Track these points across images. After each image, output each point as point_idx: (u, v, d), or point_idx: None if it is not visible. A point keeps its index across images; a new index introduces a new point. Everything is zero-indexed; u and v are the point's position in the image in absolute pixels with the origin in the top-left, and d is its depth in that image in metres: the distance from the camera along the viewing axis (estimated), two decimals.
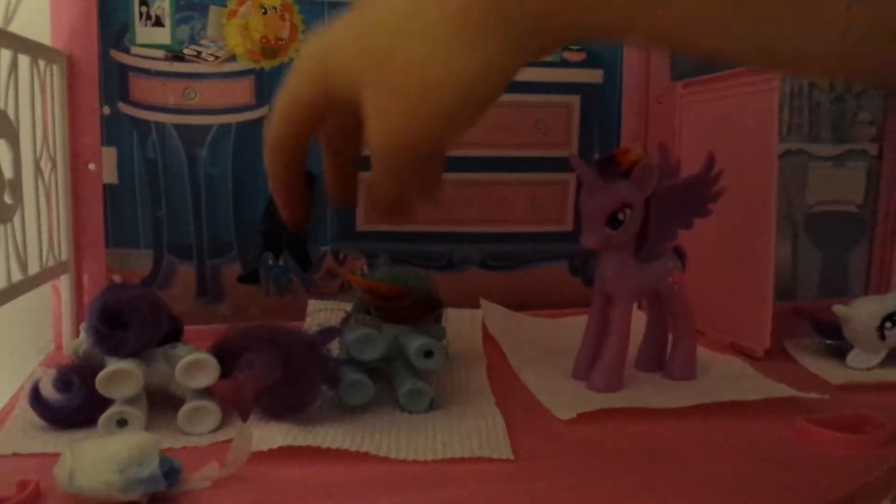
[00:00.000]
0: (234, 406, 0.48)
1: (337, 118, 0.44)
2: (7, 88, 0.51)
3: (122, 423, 0.45)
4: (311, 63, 0.39)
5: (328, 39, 0.39)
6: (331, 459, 0.42)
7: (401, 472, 0.41)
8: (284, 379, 0.45)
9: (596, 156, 0.77)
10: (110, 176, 0.67)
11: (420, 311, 0.51)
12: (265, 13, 0.68)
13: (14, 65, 0.52)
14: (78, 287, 0.65)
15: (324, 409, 0.48)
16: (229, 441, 0.43)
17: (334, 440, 0.43)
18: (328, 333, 0.49)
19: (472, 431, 0.46)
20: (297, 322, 0.64)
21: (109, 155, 0.67)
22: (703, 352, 0.59)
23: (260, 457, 0.41)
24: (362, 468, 0.41)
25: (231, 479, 0.39)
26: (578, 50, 0.76)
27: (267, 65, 0.69)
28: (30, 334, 0.67)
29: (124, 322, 0.46)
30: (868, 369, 0.59)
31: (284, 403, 0.46)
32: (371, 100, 0.36)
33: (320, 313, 0.67)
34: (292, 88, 0.40)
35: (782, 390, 0.52)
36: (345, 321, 0.54)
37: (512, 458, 0.43)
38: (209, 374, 0.46)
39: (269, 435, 0.43)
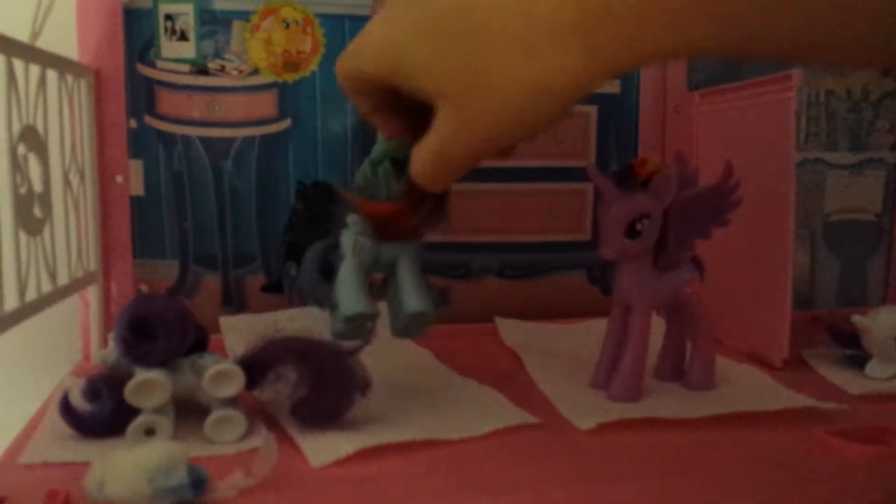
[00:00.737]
0: (259, 415, 0.49)
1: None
2: (36, 104, 0.52)
3: (149, 432, 0.46)
4: (379, 57, 0.39)
5: (395, 36, 0.38)
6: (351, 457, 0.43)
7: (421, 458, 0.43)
8: (318, 388, 0.46)
9: (614, 166, 0.77)
10: (137, 188, 0.69)
11: (421, 227, 0.50)
12: (287, 27, 0.69)
13: (42, 80, 0.53)
14: (106, 297, 0.66)
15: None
16: (254, 450, 0.44)
17: (391, 436, 0.45)
18: (356, 346, 0.50)
19: (490, 406, 0.50)
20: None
21: (136, 167, 0.69)
22: (721, 361, 0.59)
23: (288, 466, 0.42)
24: (380, 463, 0.43)
25: (257, 488, 0.40)
26: None
27: (290, 78, 0.70)
28: (59, 344, 0.68)
29: (152, 332, 0.47)
30: (887, 379, 0.59)
31: (321, 411, 0.47)
32: (453, 104, 0.37)
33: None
34: (362, 67, 0.40)
35: (801, 400, 0.53)
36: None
37: (538, 421, 0.47)
38: (235, 383, 0.47)
39: (327, 444, 0.45)
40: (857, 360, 0.61)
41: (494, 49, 0.35)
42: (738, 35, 0.31)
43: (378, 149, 0.48)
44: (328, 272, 0.50)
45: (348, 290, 0.48)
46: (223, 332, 0.66)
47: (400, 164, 0.47)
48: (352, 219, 0.49)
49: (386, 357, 0.53)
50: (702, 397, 0.55)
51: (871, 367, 0.60)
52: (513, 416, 0.50)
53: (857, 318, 0.60)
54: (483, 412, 0.50)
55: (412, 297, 0.49)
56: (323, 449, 0.44)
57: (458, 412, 0.50)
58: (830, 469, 0.44)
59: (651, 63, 0.34)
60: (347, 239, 0.49)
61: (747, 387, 0.57)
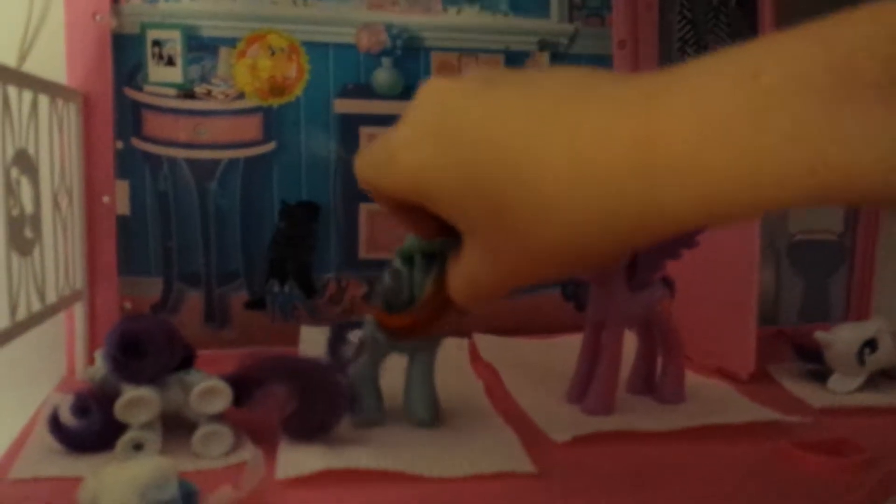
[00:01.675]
0: (245, 430, 0.50)
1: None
2: (28, 128, 0.54)
3: (138, 447, 0.47)
4: (403, 181, 0.34)
5: (421, 163, 0.33)
6: (342, 481, 0.44)
7: (411, 492, 0.43)
8: (307, 404, 0.47)
9: None
10: (123, 208, 0.70)
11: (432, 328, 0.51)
12: (273, 54, 0.71)
13: (34, 105, 0.55)
14: (91, 314, 0.67)
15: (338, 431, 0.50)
16: (241, 464, 0.45)
17: (367, 461, 0.45)
18: (343, 362, 0.51)
19: (490, 447, 0.49)
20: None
21: (122, 188, 0.70)
22: (690, 376, 0.61)
23: (274, 480, 0.43)
24: (372, 488, 0.44)
25: (245, 502, 0.41)
26: None
27: (275, 102, 0.72)
28: (43, 360, 0.68)
29: (142, 350, 0.48)
30: (848, 393, 0.61)
31: (310, 426, 0.48)
32: (480, 238, 0.33)
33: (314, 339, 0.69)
34: (387, 184, 0.35)
35: (768, 414, 0.55)
36: (361, 344, 0.54)
37: (535, 471, 0.45)
38: (223, 399, 0.48)
39: (299, 460, 0.45)
40: (820, 375, 0.64)
41: (528, 186, 0.30)
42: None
43: (409, 242, 0.48)
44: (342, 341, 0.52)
45: (363, 396, 0.51)
46: (301, 341, 0.68)
47: (430, 257, 0.46)
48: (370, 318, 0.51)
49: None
50: (673, 411, 0.57)
51: (833, 382, 0.62)
52: (509, 462, 0.47)
53: (820, 335, 0.62)
54: (483, 453, 0.48)
55: (418, 407, 0.52)
56: (293, 462, 0.45)
57: (457, 449, 0.48)
58: (795, 480, 0.46)
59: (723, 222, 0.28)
60: (367, 331, 0.51)
61: (716, 401, 0.59)
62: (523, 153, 0.31)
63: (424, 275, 0.48)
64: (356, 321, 0.52)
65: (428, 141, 0.34)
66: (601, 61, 0.80)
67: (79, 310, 0.65)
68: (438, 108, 0.34)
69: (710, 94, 0.27)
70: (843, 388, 0.61)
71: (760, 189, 0.26)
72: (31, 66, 0.57)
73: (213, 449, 0.48)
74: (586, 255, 0.31)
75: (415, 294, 0.49)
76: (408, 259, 0.49)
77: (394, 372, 0.53)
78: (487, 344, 0.73)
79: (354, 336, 0.52)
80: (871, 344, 0.61)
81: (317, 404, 0.48)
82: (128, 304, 0.71)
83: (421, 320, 0.48)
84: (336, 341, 0.52)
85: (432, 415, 0.53)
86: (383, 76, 0.74)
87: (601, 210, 0.29)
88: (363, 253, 0.76)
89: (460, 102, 0.33)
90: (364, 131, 0.74)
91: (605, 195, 0.29)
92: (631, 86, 0.29)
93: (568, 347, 0.69)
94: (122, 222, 0.70)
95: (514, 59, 0.78)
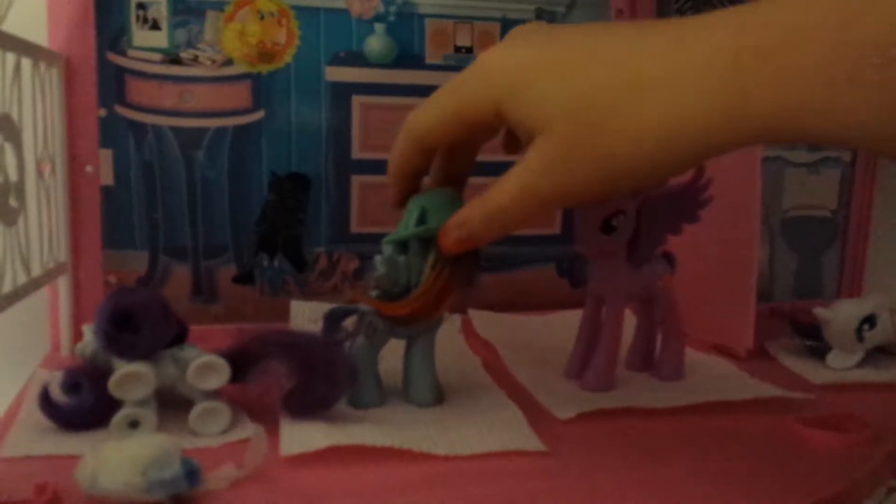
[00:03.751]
0: (243, 407, 0.49)
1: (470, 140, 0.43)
2: (11, 92, 0.51)
3: (133, 424, 0.46)
4: (493, 81, 0.37)
5: (517, 62, 0.36)
6: (345, 459, 0.43)
7: (417, 471, 0.42)
8: (307, 379, 0.46)
9: None
10: (106, 178, 0.68)
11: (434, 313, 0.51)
12: (262, 18, 0.69)
13: (17, 68, 0.52)
14: (76, 288, 0.65)
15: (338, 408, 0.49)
16: (240, 442, 0.44)
17: (374, 438, 0.44)
18: (342, 337, 0.50)
19: (497, 424, 0.48)
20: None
21: (106, 157, 0.67)
22: (689, 352, 0.61)
23: (277, 458, 0.42)
24: (379, 466, 0.43)
25: (248, 480, 0.40)
26: None
27: (264, 69, 0.70)
28: (25, 335, 0.66)
29: (135, 325, 0.46)
30: (847, 369, 0.61)
31: (311, 402, 0.47)
32: (558, 134, 0.35)
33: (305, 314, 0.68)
34: (463, 94, 0.39)
35: (770, 390, 0.55)
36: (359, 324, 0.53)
37: (545, 449, 0.45)
38: (220, 376, 0.47)
39: (304, 437, 0.44)
40: (818, 351, 0.64)
41: (627, 82, 0.33)
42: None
43: (403, 232, 0.48)
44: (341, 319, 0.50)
45: (361, 380, 0.50)
46: (291, 316, 0.67)
47: (426, 242, 0.47)
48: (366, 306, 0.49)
49: None
50: (673, 387, 0.57)
51: (832, 358, 0.62)
52: (516, 440, 0.46)
53: (818, 311, 0.62)
54: (489, 430, 0.47)
55: (419, 391, 0.51)
56: (298, 439, 0.44)
57: (463, 426, 0.48)
58: (799, 455, 0.46)
59: (796, 138, 0.31)
60: (363, 319, 0.49)
61: (715, 377, 0.59)
62: (629, 50, 0.33)
63: (422, 260, 0.47)
64: (351, 307, 0.50)
65: (525, 45, 0.36)
66: None
67: (63, 284, 0.63)
68: (509, 41, 0.38)
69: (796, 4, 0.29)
70: (842, 365, 0.62)
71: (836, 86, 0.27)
72: (11, 28, 0.55)
73: (210, 426, 0.46)
74: (666, 157, 0.32)
75: (411, 280, 0.48)
76: (400, 245, 0.48)
77: (392, 354, 0.52)
78: (483, 320, 0.72)
79: (350, 321, 0.50)
80: (869, 320, 0.61)
81: (317, 379, 0.47)
82: (112, 279, 0.69)
83: (425, 306, 0.47)
84: (330, 328, 0.50)
85: (434, 398, 0.52)
86: (376, 43, 0.72)
87: (694, 100, 0.31)
88: (355, 226, 0.74)
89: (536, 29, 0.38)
90: (356, 100, 0.72)
91: (699, 83, 0.31)
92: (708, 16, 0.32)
93: (564, 324, 0.69)
94: (106, 193, 0.68)
95: (510, 28, 0.76)
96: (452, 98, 0.40)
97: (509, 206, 0.39)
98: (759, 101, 0.30)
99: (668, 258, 0.59)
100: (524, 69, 0.36)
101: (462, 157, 0.48)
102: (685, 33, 0.32)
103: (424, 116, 0.42)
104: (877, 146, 0.28)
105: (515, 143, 0.45)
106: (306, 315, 0.66)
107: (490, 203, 0.40)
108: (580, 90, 0.33)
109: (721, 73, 0.31)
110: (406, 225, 0.47)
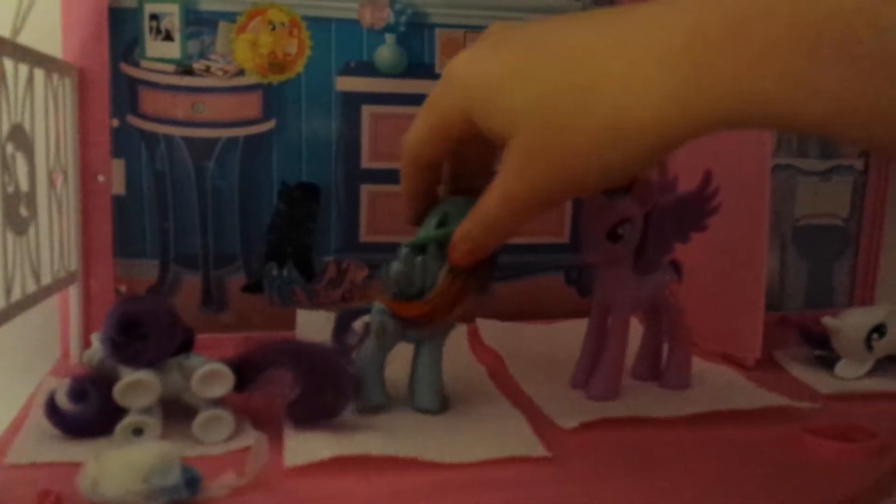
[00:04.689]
0: (246, 416, 0.49)
1: (474, 147, 0.44)
2: (24, 102, 0.52)
3: (138, 432, 0.46)
4: (463, 92, 0.38)
5: (481, 69, 0.37)
6: (347, 467, 0.43)
7: (421, 479, 0.42)
8: (311, 389, 0.47)
9: None
10: (118, 187, 0.68)
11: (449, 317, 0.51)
12: (273, 29, 0.69)
13: (30, 79, 0.53)
14: (86, 296, 0.66)
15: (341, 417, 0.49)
16: (242, 450, 0.45)
17: (378, 448, 0.44)
18: (350, 344, 0.50)
19: (501, 432, 0.48)
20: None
21: (118, 167, 0.68)
22: (695, 361, 0.61)
23: (279, 467, 0.43)
24: (384, 475, 0.43)
25: (249, 489, 0.40)
26: None
27: (275, 79, 0.71)
28: (36, 343, 0.67)
29: (142, 333, 0.47)
30: (856, 379, 0.61)
31: (316, 412, 0.47)
32: (525, 138, 0.36)
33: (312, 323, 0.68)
34: (439, 108, 0.40)
35: (777, 399, 0.54)
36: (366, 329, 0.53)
37: (549, 455, 0.45)
38: (224, 384, 0.47)
39: (308, 447, 0.44)
40: (827, 361, 0.63)
41: (582, 80, 0.33)
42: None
43: (422, 235, 0.48)
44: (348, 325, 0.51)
45: (367, 381, 0.50)
46: (298, 325, 0.67)
47: (444, 251, 0.47)
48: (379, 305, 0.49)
49: None
50: (679, 396, 0.56)
51: (841, 368, 0.62)
52: (520, 447, 0.46)
53: (827, 320, 0.62)
54: (493, 438, 0.47)
55: (424, 397, 0.51)
56: (301, 450, 0.44)
57: (467, 434, 0.48)
58: (806, 465, 0.46)
59: (755, 124, 0.30)
60: (374, 316, 0.50)
61: (722, 386, 0.58)
62: (583, 41, 0.33)
63: (438, 264, 0.47)
64: (363, 307, 0.50)
65: (482, 51, 0.38)
66: None
67: (73, 292, 0.64)
68: (474, 46, 0.39)
69: None
70: (851, 374, 0.61)
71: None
72: (26, 40, 0.55)
73: (214, 434, 0.47)
74: (624, 151, 0.33)
75: (426, 283, 0.48)
76: (418, 248, 0.48)
77: (397, 360, 0.52)
78: (490, 329, 0.72)
79: (360, 324, 0.51)
80: (879, 329, 0.61)
81: (322, 389, 0.47)
82: (122, 288, 0.69)
83: (439, 309, 0.48)
84: (341, 329, 0.51)
85: (439, 405, 0.52)
86: (386, 53, 0.73)
87: (644, 92, 0.31)
88: (364, 236, 0.74)
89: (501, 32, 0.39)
90: (366, 110, 0.73)
91: (650, 73, 0.31)
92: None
93: (571, 333, 0.68)
94: (118, 202, 0.68)
95: None
96: (431, 113, 0.41)
97: (497, 214, 0.39)
98: (709, 88, 0.30)
99: (676, 266, 0.59)
100: (487, 77, 0.37)
101: (471, 166, 0.48)
102: (636, 23, 0.33)
103: (414, 135, 0.43)
104: (834, 129, 0.28)
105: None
106: (312, 323, 0.67)
107: (481, 213, 0.41)
108: (540, 94, 0.34)
109: (671, 62, 0.31)
110: (426, 229, 0.48)
